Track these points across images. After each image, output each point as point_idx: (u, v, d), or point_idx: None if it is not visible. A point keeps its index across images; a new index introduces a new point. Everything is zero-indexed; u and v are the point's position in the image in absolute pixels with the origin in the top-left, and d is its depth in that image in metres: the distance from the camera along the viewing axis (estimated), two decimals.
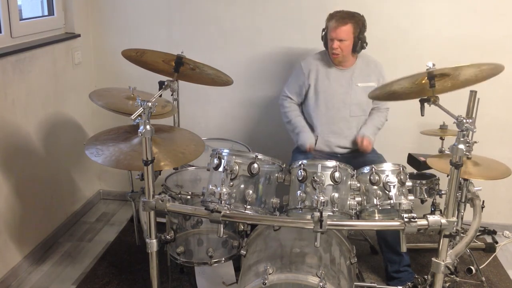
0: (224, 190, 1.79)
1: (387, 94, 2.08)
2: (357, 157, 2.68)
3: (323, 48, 2.74)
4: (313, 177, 1.85)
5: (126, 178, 3.30)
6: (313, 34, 2.82)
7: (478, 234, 3.01)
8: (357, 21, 2.59)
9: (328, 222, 1.70)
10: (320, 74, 2.71)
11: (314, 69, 2.73)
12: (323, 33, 2.69)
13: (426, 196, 2.55)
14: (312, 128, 2.77)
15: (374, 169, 1.93)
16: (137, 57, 2.16)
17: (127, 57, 2.18)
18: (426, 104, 1.91)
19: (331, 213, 1.83)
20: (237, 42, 3.20)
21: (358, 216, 1.94)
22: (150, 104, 1.73)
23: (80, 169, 3.35)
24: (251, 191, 1.87)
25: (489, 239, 3.15)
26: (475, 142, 2.33)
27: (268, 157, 1.93)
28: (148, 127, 1.74)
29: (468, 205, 2.39)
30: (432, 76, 1.84)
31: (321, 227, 1.69)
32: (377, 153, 2.76)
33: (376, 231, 2.80)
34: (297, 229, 2.05)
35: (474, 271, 2.53)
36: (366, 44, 2.66)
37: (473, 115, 2.51)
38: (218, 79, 2.19)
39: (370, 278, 2.71)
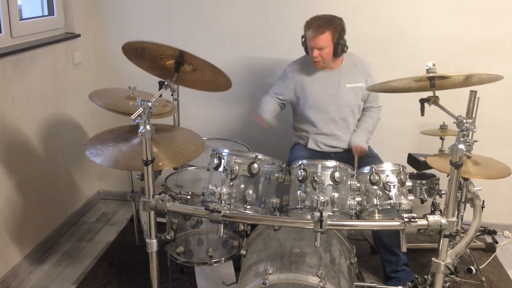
0: (224, 190, 1.79)
1: (386, 88, 2.10)
2: (352, 156, 2.67)
3: None
4: (313, 177, 1.85)
5: (126, 178, 3.30)
6: None
7: (478, 234, 3.01)
8: (335, 27, 2.54)
9: (328, 222, 1.70)
10: (307, 77, 2.71)
11: (299, 73, 2.72)
12: (303, 40, 2.66)
13: (426, 196, 2.55)
14: (302, 129, 2.79)
15: (374, 169, 1.93)
16: (138, 53, 2.14)
17: (126, 53, 2.16)
18: (426, 104, 1.91)
19: (331, 213, 1.83)
20: (237, 42, 3.20)
21: (358, 216, 1.94)
22: (150, 104, 1.73)
23: (80, 169, 3.35)
24: (251, 191, 1.87)
25: (489, 239, 3.15)
26: (475, 141, 2.34)
27: (268, 157, 1.93)
28: (148, 127, 1.74)
29: (468, 205, 2.39)
30: (432, 76, 1.85)
31: (321, 227, 1.69)
32: (373, 153, 2.76)
33: (372, 231, 2.80)
34: (297, 229, 2.05)
35: (474, 271, 2.53)
36: (347, 47, 2.63)
37: (473, 115, 2.51)
38: (217, 82, 2.18)
39: (370, 278, 2.71)
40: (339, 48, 2.58)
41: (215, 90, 2.32)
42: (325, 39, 2.53)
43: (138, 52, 2.13)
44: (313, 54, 2.58)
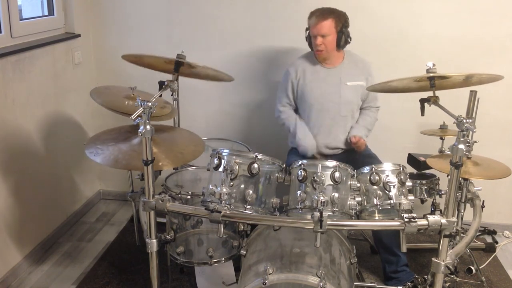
0: (224, 190, 1.79)
1: (386, 88, 2.10)
2: (350, 157, 2.67)
3: None
4: (313, 177, 1.85)
5: (126, 178, 3.30)
6: None
7: (478, 234, 3.01)
8: (338, 15, 2.58)
9: (328, 222, 1.70)
10: (309, 75, 2.70)
11: (301, 70, 2.72)
12: (307, 32, 2.68)
13: (426, 196, 2.55)
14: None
15: (374, 169, 1.93)
16: (137, 59, 2.16)
17: (127, 60, 2.19)
18: (426, 104, 1.91)
19: (331, 213, 1.83)
20: (237, 42, 3.20)
21: (358, 216, 1.94)
22: (150, 104, 1.73)
23: (80, 169, 3.35)
24: (251, 191, 1.87)
25: (489, 239, 3.15)
26: (475, 141, 2.34)
27: (268, 157, 1.93)
28: (148, 127, 1.74)
29: (468, 205, 2.39)
30: (432, 76, 1.85)
31: (321, 227, 1.69)
32: (370, 153, 2.75)
33: (372, 232, 2.80)
34: (297, 229, 2.05)
35: (474, 271, 2.53)
36: (350, 38, 2.65)
37: (473, 115, 2.51)
38: (219, 76, 2.19)
39: (370, 278, 2.71)
40: (343, 37, 2.59)
41: (218, 80, 2.34)
42: (328, 26, 2.55)
43: (137, 58, 2.14)
44: (316, 42, 2.58)
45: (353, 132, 2.70)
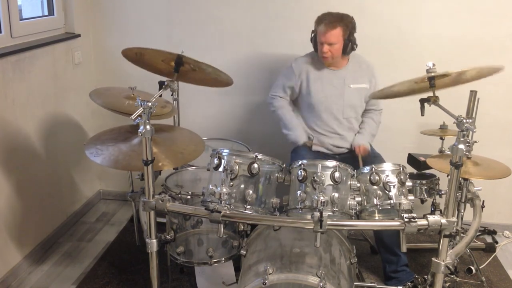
0: (224, 190, 1.79)
1: (388, 94, 2.09)
2: (355, 157, 2.67)
3: None
4: (313, 177, 1.85)
5: (126, 178, 3.30)
6: None
7: (478, 234, 3.01)
8: (346, 24, 2.57)
9: (328, 222, 1.70)
10: (312, 76, 2.71)
11: (305, 70, 2.72)
12: (312, 35, 2.68)
13: (426, 196, 2.55)
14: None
15: (374, 169, 1.93)
16: (137, 57, 2.15)
17: (127, 57, 2.18)
18: (426, 104, 1.91)
19: (331, 213, 1.83)
20: (237, 42, 3.20)
21: (358, 216, 1.94)
22: (150, 104, 1.73)
23: (80, 169, 3.35)
24: (251, 191, 1.87)
25: (489, 239, 3.15)
26: (475, 141, 2.34)
27: (268, 157, 1.93)
28: (148, 127, 1.74)
29: (468, 205, 2.39)
30: (432, 76, 1.85)
31: (321, 227, 1.69)
32: (375, 152, 2.76)
33: (373, 231, 2.80)
34: (297, 229, 2.05)
35: (474, 271, 2.53)
36: (356, 45, 2.65)
37: (473, 115, 2.51)
38: (219, 78, 2.19)
39: (370, 278, 2.71)
40: (349, 45, 2.60)
41: (217, 86, 2.32)
42: (336, 35, 2.55)
43: (137, 56, 2.13)
44: (322, 49, 2.59)
45: (358, 140, 2.71)
